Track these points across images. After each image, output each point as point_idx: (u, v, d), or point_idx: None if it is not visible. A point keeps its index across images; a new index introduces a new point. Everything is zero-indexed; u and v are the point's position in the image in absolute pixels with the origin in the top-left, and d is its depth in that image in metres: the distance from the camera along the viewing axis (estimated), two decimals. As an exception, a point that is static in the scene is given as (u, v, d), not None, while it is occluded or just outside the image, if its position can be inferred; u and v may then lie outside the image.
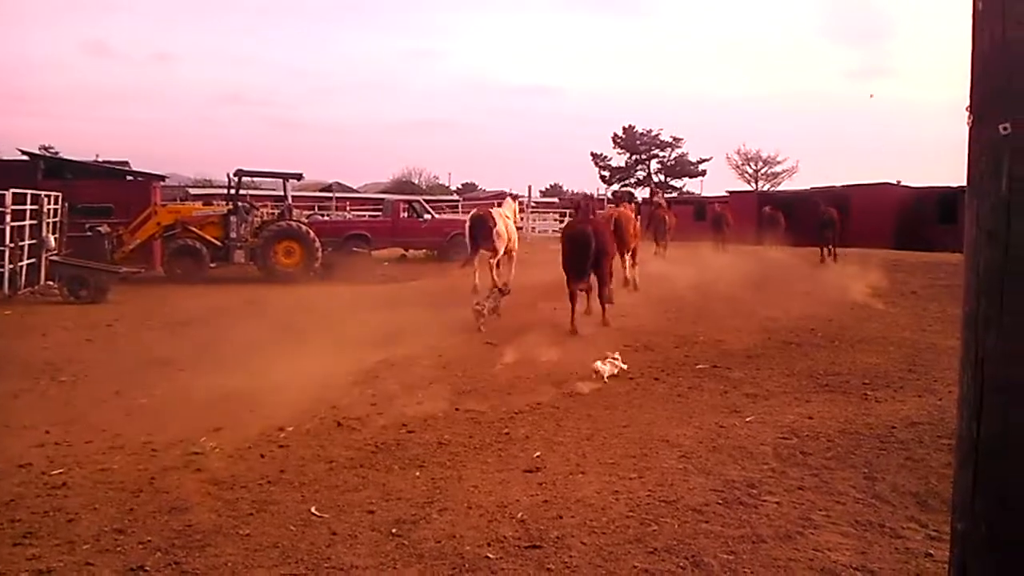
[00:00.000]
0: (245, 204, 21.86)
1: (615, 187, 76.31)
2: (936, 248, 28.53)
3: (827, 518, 4.86)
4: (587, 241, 11.73)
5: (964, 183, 2.34)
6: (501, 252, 15.78)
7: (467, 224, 16.38)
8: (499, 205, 18.63)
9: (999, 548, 2.58)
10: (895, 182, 39.69)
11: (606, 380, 8.54)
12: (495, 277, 14.94)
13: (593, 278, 12.18)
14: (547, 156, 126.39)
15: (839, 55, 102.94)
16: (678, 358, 9.93)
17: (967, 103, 2.25)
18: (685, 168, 76.23)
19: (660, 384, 8.57)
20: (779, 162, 72.27)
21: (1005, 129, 2.13)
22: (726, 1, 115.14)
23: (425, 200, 31.10)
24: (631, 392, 8.21)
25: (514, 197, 20.79)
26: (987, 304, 2.31)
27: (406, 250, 27.14)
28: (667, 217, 24.24)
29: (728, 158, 74.58)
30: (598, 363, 8.76)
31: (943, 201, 33.99)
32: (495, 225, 15.57)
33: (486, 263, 15.68)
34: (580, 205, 13.80)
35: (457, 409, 7.51)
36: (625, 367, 8.99)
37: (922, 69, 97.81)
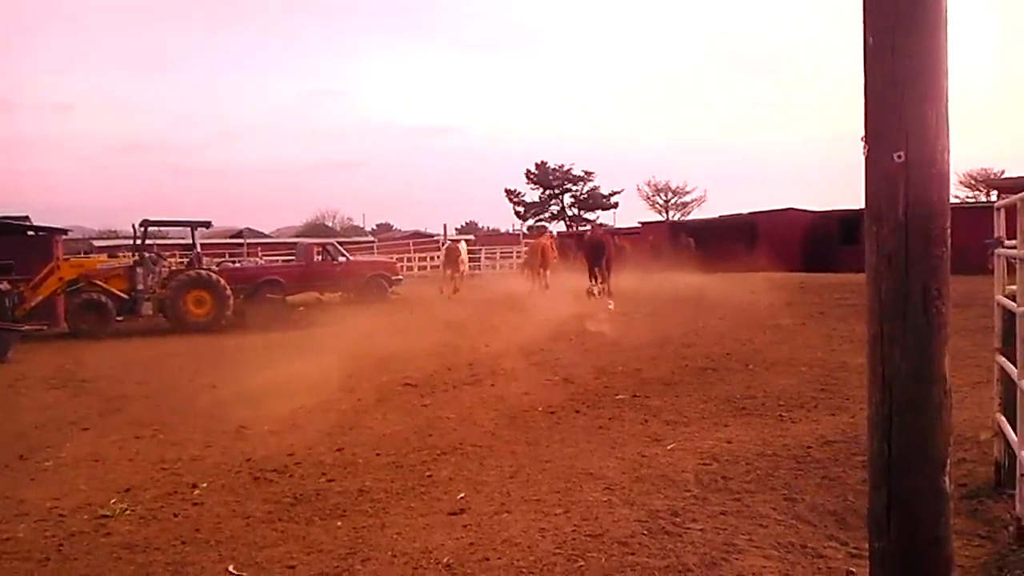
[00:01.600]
0: (152, 255, 21.25)
1: (530, 222, 77.27)
2: (840, 268, 29.52)
3: (750, 542, 4.89)
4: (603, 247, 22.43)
5: (862, 205, 2.40)
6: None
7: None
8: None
9: (915, 565, 2.63)
10: (796, 208, 41.03)
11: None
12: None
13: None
14: (460, 194, 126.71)
15: (742, 85, 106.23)
16: (597, 389, 9.97)
17: (862, 133, 2.31)
18: (598, 201, 77.51)
19: (581, 416, 8.58)
20: (688, 192, 74.22)
21: (899, 157, 2.19)
22: (619, 37, 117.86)
23: (339, 242, 30.78)
24: (553, 427, 8.19)
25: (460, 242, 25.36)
26: (890, 327, 2.36)
27: (321, 293, 26.75)
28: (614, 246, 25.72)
29: (639, 189, 76.09)
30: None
31: (844, 223, 35.32)
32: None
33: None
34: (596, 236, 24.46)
35: (378, 454, 7.36)
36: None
37: (814, 102, 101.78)
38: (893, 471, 2.37)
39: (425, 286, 32.02)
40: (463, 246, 29.70)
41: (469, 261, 31.36)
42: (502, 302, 22.22)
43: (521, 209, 78.95)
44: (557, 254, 28.33)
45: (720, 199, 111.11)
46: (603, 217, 77.72)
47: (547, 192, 78.63)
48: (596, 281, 22.58)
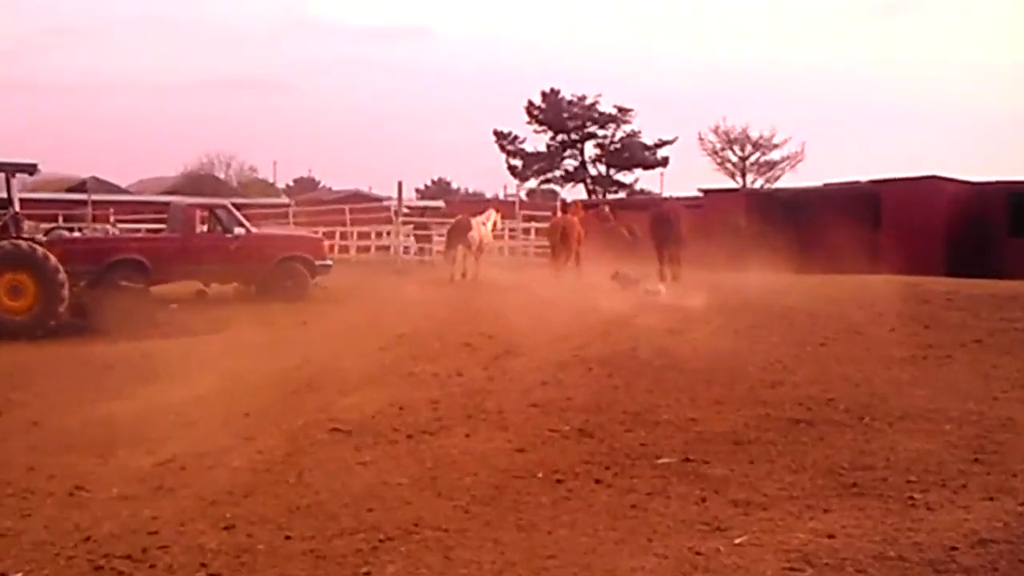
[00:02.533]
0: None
1: (532, 183, 77.39)
2: (1007, 273, 29.32)
3: None
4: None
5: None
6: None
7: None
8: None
9: None
10: (942, 176, 40.16)
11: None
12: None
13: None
14: (424, 136, 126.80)
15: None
16: (629, 447, 9.97)
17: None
18: (636, 154, 77.70)
19: (603, 489, 8.58)
20: (775, 145, 74.08)
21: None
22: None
23: (236, 204, 30.66)
24: (560, 503, 8.19)
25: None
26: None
27: (206, 284, 26.70)
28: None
29: (701, 139, 76.12)
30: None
31: (1016, 202, 35.13)
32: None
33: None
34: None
35: (288, 537, 7.35)
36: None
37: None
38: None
39: (369, 275, 32.07)
40: (481, 222, 32.46)
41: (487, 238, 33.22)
42: (486, 303, 22.24)
43: (519, 163, 79.17)
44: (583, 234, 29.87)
45: (825, 158, 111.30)
46: (645, 180, 77.90)
47: (559, 138, 78.89)
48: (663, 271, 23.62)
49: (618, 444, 10.12)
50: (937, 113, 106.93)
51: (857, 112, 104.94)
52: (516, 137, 79.12)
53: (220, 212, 27.28)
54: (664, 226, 25.78)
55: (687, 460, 9.44)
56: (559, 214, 34.97)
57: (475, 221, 31.96)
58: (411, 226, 42.96)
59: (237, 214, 27.41)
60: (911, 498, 8.26)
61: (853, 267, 28.63)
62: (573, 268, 27.54)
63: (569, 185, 78.74)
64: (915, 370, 14.55)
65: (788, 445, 10.07)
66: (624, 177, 78.99)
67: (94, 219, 42.94)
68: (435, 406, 11.82)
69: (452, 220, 35.02)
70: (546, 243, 34.76)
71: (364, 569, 6.72)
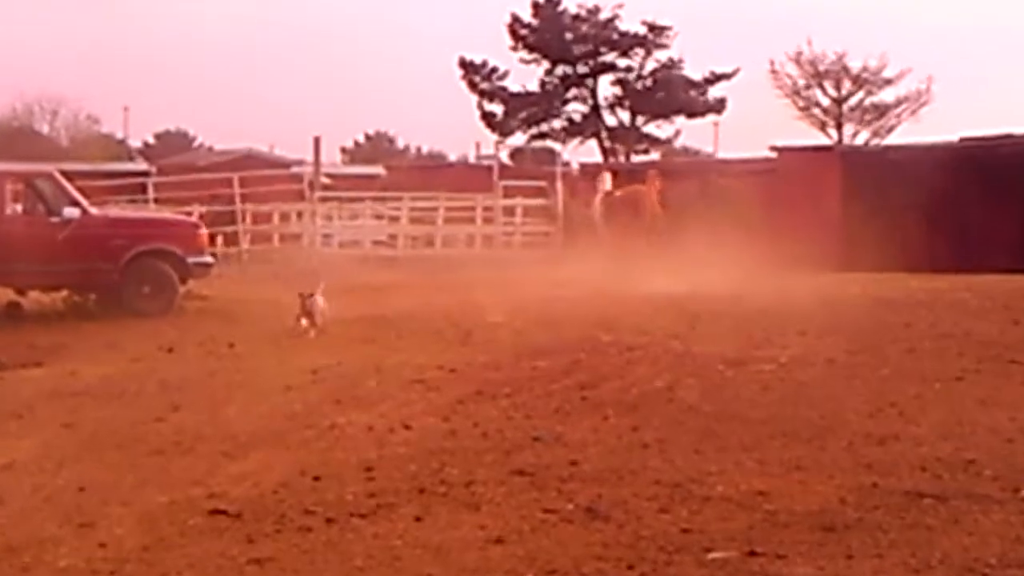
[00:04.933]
0: None
1: (519, 138, 77.41)
2: None
3: None
4: None
5: None
6: None
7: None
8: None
9: None
10: None
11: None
12: None
13: None
14: (352, 72, 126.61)
15: None
16: (666, 535, 9.94)
17: None
18: (675, 94, 77.53)
19: (628, 598, 8.59)
20: (888, 81, 74.00)
21: None
22: None
23: (65, 174, 30.41)
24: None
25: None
26: None
27: (21, 291, 26.62)
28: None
29: (775, 72, 76.09)
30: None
31: None
32: None
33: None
34: None
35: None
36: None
37: None
38: None
39: (270, 276, 32.20)
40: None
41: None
42: (449, 316, 22.32)
43: (498, 109, 79.05)
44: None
45: (963, 101, 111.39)
46: (690, 134, 77.90)
47: (559, 71, 78.72)
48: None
49: (647, 531, 10.08)
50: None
51: (1009, 36, 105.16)
52: (494, 70, 78.94)
53: (42, 184, 27.13)
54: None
55: (752, 554, 9.41)
56: (605, 186, 35.23)
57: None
58: (334, 204, 42.98)
59: (68, 187, 27.29)
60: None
61: (1007, 261, 28.67)
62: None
63: (575, 141, 78.77)
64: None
65: (906, 531, 10.04)
66: (658, 129, 79.02)
67: None
68: (369, 475, 11.74)
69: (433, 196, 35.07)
70: (542, 229, 35.06)
71: None
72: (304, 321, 22.03)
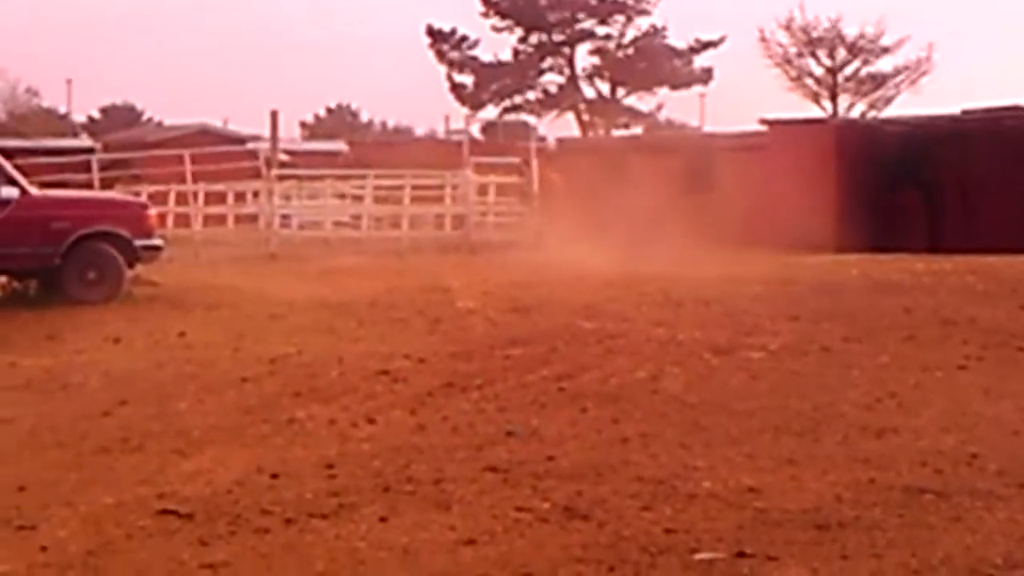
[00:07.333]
0: None
1: (492, 111, 77.35)
2: None
3: None
4: None
5: None
6: None
7: None
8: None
9: None
10: None
11: None
12: None
13: None
14: (311, 41, 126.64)
15: None
16: (649, 535, 9.92)
17: None
18: (658, 62, 77.68)
19: (606, 604, 8.57)
20: (886, 49, 74.13)
21: None
22: None
23: (2, 151, 30.37)
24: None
25: None
26: None
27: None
28: None
29: (765, 40, 76.19)
30: None
31: None
32: None
33: None
34: None
35: None
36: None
37: None
38: None
39: (226, 261, 32.16)
40: None
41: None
42: (418, 302, 22.33)
43: (468, 80, 79.13)
44: None
45: (966, 70, 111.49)
46: (674, 106, 77.98)
47: (534, 39, 78.86)
48: None
49: (629, 531, 10.06)
50: None
51: (1016, 2, 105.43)
52: (464, 39, 79.09)
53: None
54: None
55: (741, 555, 9.39)
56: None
57: None
58: (293, 182, 42.90)
59: (6, 165, 27.19)
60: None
61: (1014, 242, 28.72)
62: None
63: (551, 114, 78.82)
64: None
65: (905, 529, 10.03)
66: (640, 102, 79.06)
67: None
68: (331, 472, 11.70)
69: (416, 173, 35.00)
70: (516, 209, 35.04)
71: None
72: None
